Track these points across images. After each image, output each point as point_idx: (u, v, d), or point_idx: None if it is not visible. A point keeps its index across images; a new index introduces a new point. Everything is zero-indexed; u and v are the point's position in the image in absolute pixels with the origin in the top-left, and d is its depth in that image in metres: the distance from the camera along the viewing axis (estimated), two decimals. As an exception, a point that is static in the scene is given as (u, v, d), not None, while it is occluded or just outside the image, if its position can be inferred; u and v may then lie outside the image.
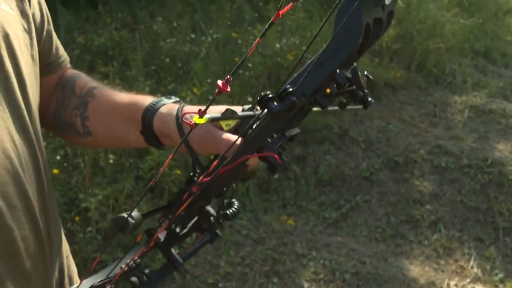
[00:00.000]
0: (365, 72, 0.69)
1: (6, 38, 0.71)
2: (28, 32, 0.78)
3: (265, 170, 3.27)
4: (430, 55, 4.88)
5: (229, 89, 0.54)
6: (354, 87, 0.66)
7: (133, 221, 0.64)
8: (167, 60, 4.17)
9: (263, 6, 5.21)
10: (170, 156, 0.60)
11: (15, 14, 0.75)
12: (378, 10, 0.65)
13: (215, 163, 0.63)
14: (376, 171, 3.50)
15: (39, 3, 0.83)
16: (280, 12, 0.53)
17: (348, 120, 3.92)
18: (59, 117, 0.88)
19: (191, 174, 0.78)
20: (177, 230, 0.75)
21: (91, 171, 2.86)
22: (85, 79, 0.90)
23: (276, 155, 0.62)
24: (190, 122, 0.53)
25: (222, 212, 0.83)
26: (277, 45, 4.03)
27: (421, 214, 3.22)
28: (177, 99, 0.82)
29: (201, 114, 0.54)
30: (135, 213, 0.65)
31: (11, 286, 0.71)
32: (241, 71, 3.81)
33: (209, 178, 0.62)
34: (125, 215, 0.64)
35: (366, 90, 0.67)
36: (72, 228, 2.58)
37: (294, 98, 0.59)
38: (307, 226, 3.10)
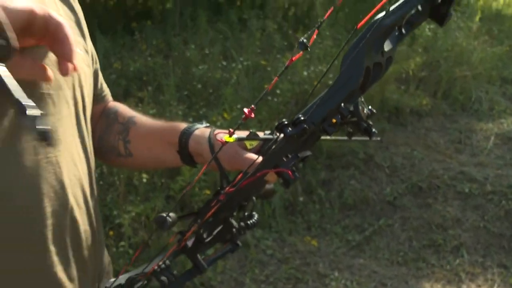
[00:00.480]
0: (369, 107, 0.81)
1: (78, 74, 0.88)
2: (89, 66, 0.94)
3: (291, 193, 3.38)
4: (456, 83, 4.95)
5: (253, 115, 0.68)
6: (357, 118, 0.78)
7: (170, 220, 0.77)
8: (199, 86, 4.36)
9: (292, 34, 5.38)
10: (205, 166, 0.74)
11: (82, 54, 0.92)
12: (378, 56, 0.78)
13: (239, 176, 0.76)
14: (399, 196, 3.57)
15: (91, 46, 1.00)
16: (294, 58, 0.66)
17: (373, 146, 4.01)
18: (102, 142, 1.04)
19: (219, 188, 0.90)
20: (204, 236, 0.88)
21: (125, 189, 3.03)
22: (126, 109, 1.07)
23: (289, 171, 0.74)
24: (222, 140, 0.67)
25: (243, 223, 0.95)
26: (305, 73, 4.17)
27: (444, 239, 3.27)
28: (208, 124, 0.96)
29: (231, 134, 0.68)
30: (172, 214, 0.78)
31: (74, 271, 0.86)
32: (269, 97, 3.96)
33: (234, 188, 0.75)
34: (164, 214, 0.78)
35: (370, 122, 0.79)
36: (106, 242, 2.73)
37: (305, 125, 0.72)
38: (331, 248, 3.18)
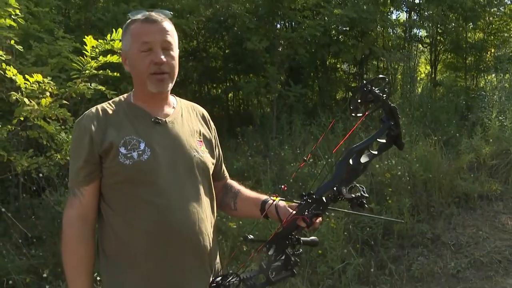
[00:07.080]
0: (363, 190, 1.61)
1: (207, 170, 1.78)
2: (213, 164, 1.83)
3: (364, 266, 4.05)
4: (526, 169, 5.41)
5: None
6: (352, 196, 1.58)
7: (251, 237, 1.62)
8: (291, 180, 5.24)
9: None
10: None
11: (209, 157, 1.80)
12: (355, 165, 1.58)
13: (284, 220, 1.60)
14: (462, 269, 4.08)
15: (219, 146, 1.93)
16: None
17: (441, 228, 4.58)
18: (223, 200, 1.93)
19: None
20: (272, 258, 1.68)
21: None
22: (236, 185, 1.97)
23: (307, 218, 1.57)
24: (274, 199, 1.58)
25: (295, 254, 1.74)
26: (377, 166, 4.94)
27: (501, 307, 3.72)
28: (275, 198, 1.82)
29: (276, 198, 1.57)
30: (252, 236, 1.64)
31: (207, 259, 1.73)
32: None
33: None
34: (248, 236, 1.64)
35: (364, 200, 1.60)
36: None
37: (314, 196, 1.55)
38: (398, 313, 3.76)
